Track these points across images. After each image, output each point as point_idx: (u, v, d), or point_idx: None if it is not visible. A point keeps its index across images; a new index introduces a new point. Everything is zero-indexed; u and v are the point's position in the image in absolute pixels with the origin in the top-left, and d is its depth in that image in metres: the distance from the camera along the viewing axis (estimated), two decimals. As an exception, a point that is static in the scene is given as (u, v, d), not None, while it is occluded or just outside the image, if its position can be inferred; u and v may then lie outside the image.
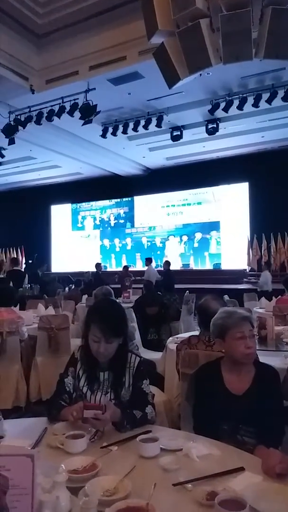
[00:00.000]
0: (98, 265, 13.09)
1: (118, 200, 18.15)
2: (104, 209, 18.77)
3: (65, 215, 19.19)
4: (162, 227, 17.46)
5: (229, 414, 1.97)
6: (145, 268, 12.83)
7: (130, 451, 1.67)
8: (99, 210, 18.92)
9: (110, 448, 1.70)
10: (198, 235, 16.62)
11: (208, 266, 16.06)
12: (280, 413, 2.01)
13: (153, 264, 13.21)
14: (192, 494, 1.35)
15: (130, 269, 13.97)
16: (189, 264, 16.42)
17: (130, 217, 18.19)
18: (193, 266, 16.38)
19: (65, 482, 1.29)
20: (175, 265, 15.86)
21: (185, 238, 16.95)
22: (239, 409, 1.97)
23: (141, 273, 13.07)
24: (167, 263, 12.16)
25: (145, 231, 17.89)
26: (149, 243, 17.79)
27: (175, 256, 16.59)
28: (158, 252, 17.34)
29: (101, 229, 18.91)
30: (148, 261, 12.83)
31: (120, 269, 14.38)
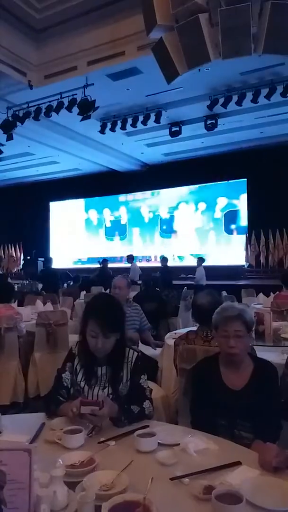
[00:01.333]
0: (104, 261, 12.99)
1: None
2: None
3: (63, 211, 18.92)
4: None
5: (227, 409, 1.98)
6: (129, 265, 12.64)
7: (127, 446, 1.68)
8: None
9: (107, 443, 1.70)
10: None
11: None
12: (278, 408, 2.02)
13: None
14: (189, 488, 1.36)
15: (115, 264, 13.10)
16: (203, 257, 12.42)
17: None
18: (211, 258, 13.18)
19: (62, 477, 1.29)
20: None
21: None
22: (236, 404, 1.98)
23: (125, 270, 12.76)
24: (165, 259, 12.17)
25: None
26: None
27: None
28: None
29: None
30: (130, 259, 12.66)
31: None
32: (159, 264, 12.26)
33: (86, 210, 17.19)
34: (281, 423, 2.02)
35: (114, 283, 4.29)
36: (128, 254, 13.24)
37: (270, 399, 1.97)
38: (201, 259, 12.00)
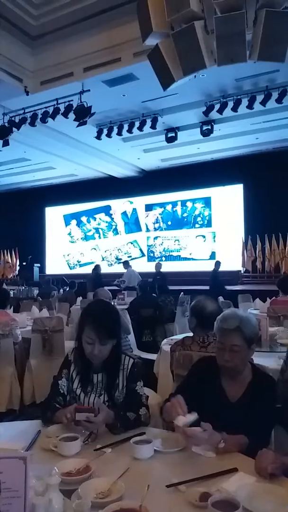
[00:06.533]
0: (97, 267, 13.02)
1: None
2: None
3: (60, 217, 18.91)
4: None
5: (218, 420, 1.82)
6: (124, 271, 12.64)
7: (123, 453, 1.67)
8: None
9: (103, 450, 1.69)
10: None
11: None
12: (268, 424, 1.93)
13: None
14: (185, 496, 1.35)
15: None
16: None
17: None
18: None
19: (58, 485, 1.28)
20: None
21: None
22: (228, 416, 1.87)
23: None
24: (159, 265, 12.17)
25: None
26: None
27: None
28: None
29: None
30: (126, 264, 12.68)
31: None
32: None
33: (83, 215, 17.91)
34: (269, 439, 1.94)
35: None
36: (124, 260, 13.29)
37: (261, 415, 1.86)
38: (126, 262, 12.77)
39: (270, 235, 13.43)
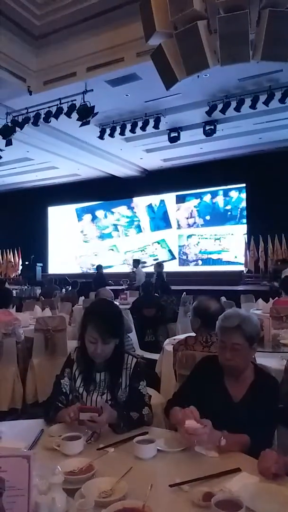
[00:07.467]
0: (99, 267, 13.02)
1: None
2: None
3: (62, 217, 18.82)
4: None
5: (221, 419, 1.82)
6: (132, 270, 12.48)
7: (126, 453, 1.67)
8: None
9: (106, 449, 1.70)
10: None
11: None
12: (271, 424, 1.93)
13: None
14: (188, 495, 1.35)
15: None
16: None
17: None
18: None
19: (61, 484, 1.29)
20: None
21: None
22: (231, 416, 1.87)
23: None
24: (160, 265, 12.13)
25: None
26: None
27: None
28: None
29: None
30: (136, 263, 12.53)
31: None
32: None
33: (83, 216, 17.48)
34: (272, 440, 1.94)
35: None
36: (135, 259, 13.19)
37: (264, 415, 1.86)
38: (136, 261, 12.47)
39: (273, 235, 13.41)
